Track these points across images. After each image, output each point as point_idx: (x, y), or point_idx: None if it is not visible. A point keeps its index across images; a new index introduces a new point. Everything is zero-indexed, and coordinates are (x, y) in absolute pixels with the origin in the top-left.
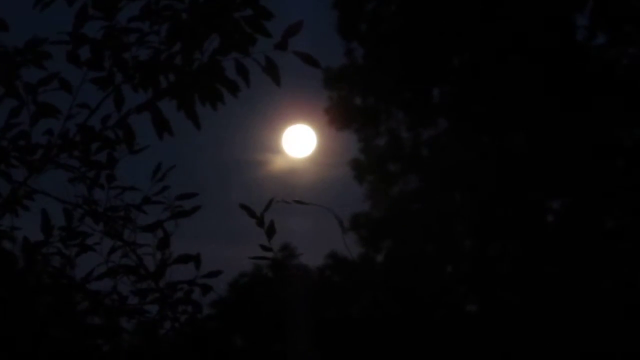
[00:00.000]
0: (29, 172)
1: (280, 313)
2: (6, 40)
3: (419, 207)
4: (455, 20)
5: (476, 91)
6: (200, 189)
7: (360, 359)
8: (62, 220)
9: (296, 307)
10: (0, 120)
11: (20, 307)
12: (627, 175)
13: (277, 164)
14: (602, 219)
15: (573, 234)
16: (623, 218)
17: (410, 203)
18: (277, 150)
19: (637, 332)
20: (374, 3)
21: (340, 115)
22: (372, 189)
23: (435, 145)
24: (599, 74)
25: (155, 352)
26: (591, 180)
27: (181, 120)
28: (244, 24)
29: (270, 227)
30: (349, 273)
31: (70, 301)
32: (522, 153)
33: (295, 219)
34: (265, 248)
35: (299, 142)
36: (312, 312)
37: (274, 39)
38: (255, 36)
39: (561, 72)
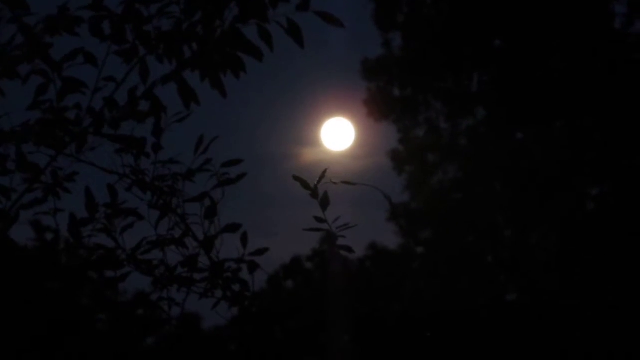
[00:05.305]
0: (78, 146)
1: (321, 305)
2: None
3: (459, 197)
4: (496, 6)
5: (514, 79)
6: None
7: (400, 352)
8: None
9: (337, 300)
10: (29, 99)
11: (64, 298)
12: None
13: (315, 156)
14: None
15: (613, 222)
16: None
17: (450, 193)
18: (315, 143)
19: None
20: None
21: (379, 107)
22: (411, 179)
23: (474, 134)
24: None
25: (198, 344)
26: (630, 167)
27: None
28: None
29: (324, 198)
30: (389, 264)
31: (115, 292)
32: (561, 141)
33: (333, 210)
34: (319, 220)
35: (337, 135)
36: (353, 304)
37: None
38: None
39: (600, 58)
